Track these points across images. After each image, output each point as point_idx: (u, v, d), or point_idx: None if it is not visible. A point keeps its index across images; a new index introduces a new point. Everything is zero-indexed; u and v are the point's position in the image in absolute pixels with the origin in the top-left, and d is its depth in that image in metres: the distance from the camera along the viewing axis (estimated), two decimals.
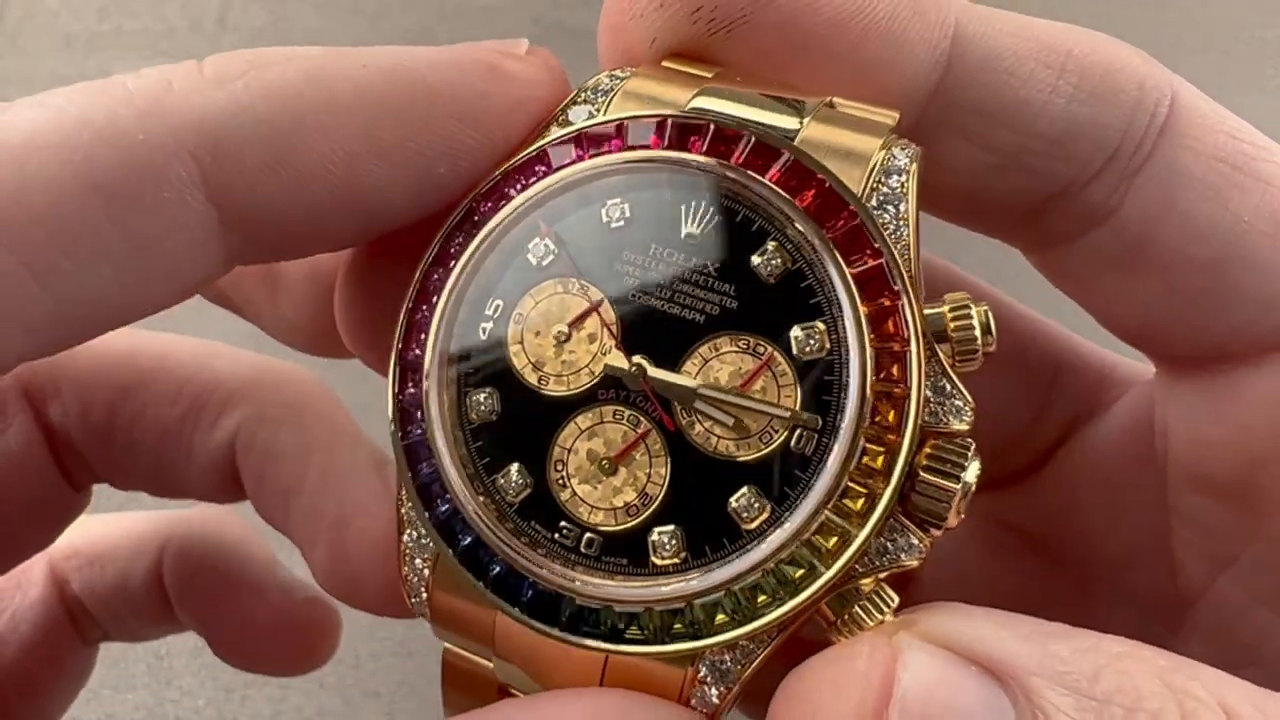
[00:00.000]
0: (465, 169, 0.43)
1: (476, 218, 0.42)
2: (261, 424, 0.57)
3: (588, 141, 0.42)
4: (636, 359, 0.40)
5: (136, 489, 0.62)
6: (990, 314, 0.39)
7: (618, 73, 0.44)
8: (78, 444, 0.58)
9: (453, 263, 0.42)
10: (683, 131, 0.41)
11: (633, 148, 0.41)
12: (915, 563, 0.38)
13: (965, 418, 0.38)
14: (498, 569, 0.40)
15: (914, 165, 0.40)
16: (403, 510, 0.42)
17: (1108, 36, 0.45)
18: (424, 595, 0.42)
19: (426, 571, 0.42)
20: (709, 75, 0.43)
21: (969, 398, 0.38)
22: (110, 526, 0.65)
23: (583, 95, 0.44)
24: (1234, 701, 0.34)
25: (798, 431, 0.39)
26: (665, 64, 0.44)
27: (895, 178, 0.40)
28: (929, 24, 0.42)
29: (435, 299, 0.41)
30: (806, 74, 0.42)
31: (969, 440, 0.38)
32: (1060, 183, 0.45)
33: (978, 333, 0.39)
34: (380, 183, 0.41)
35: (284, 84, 0.40)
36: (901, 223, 0.40)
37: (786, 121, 0.41)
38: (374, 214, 0.43)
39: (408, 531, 0.42)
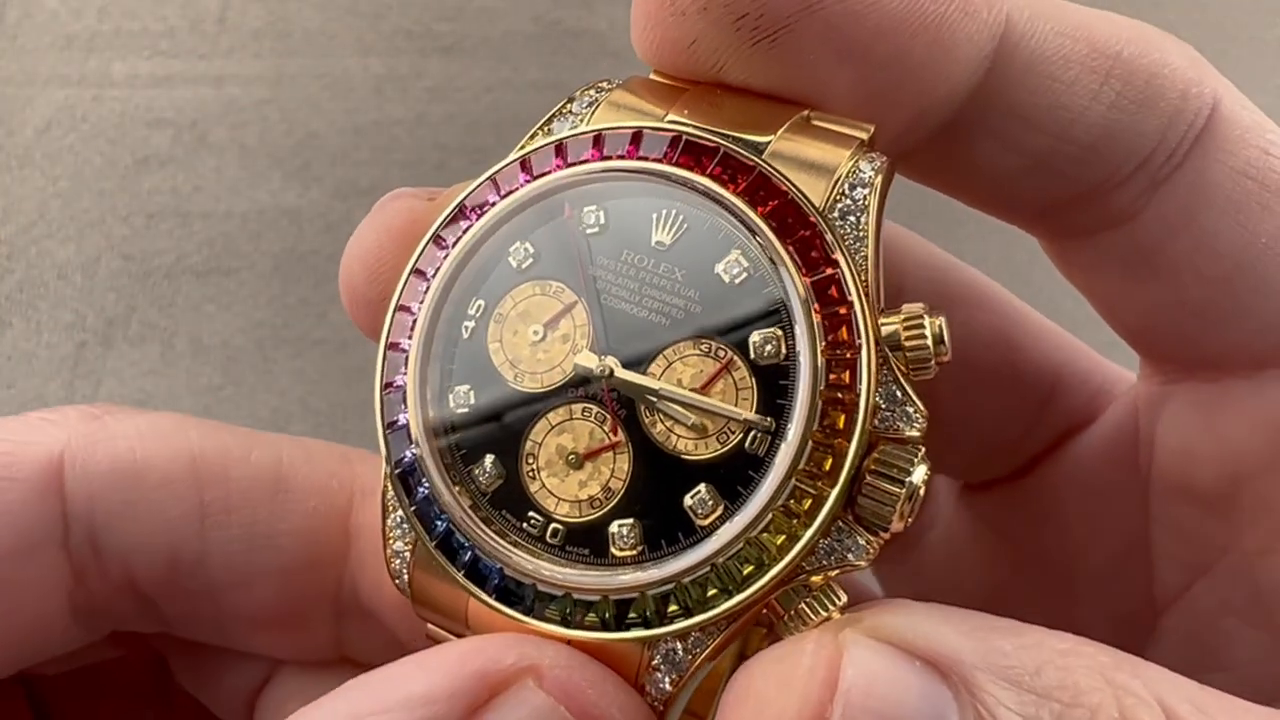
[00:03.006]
0: None
1: (464, 220, 0.44)
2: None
3: (568, 150, 0.43)
4: (605, 359, 0.42)
5: None
6: (944, 325, 0.40)
7: (603, 84, 0.46)
8: None
9: (440, 262, 0.44)
10: (657, 143, 0.42)
11: (609, 157, 0.43)
12: (863, 564, 0.39)
13: (916, 425, 0.39)
14: (469, 555, 0.42)
15: (879, 178, 0.41)
16: (386, 496, 0.44)
17: (1160, 34, 0.44)
18: (405, 576, 0.44)
19: (408, 553, 0.44)
20: (689, 89, 0.44)
21: (921, 406, 0.40)
22: None
23: (568, 106, 0.45)
24: (1172, 700, 0.35)
25: (752, 433, 0.40)
26: (652, 76, 0.45)
27: (859, 190, 0.41)
28: (978, 25, 0.41)
29: (423, 296, 0.44)
30: (845, 81, 0.42)
31: (918, 446, 0.39)
32: (1087, 186, 0.45)
33: (930, 344, 0.40)
34: None
35: None
36: (861, 234, 0.41)
37: (758, 135, 0.42)
38: None
39: (391, 515, 0.44)
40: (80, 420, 0.49)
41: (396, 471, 0.43)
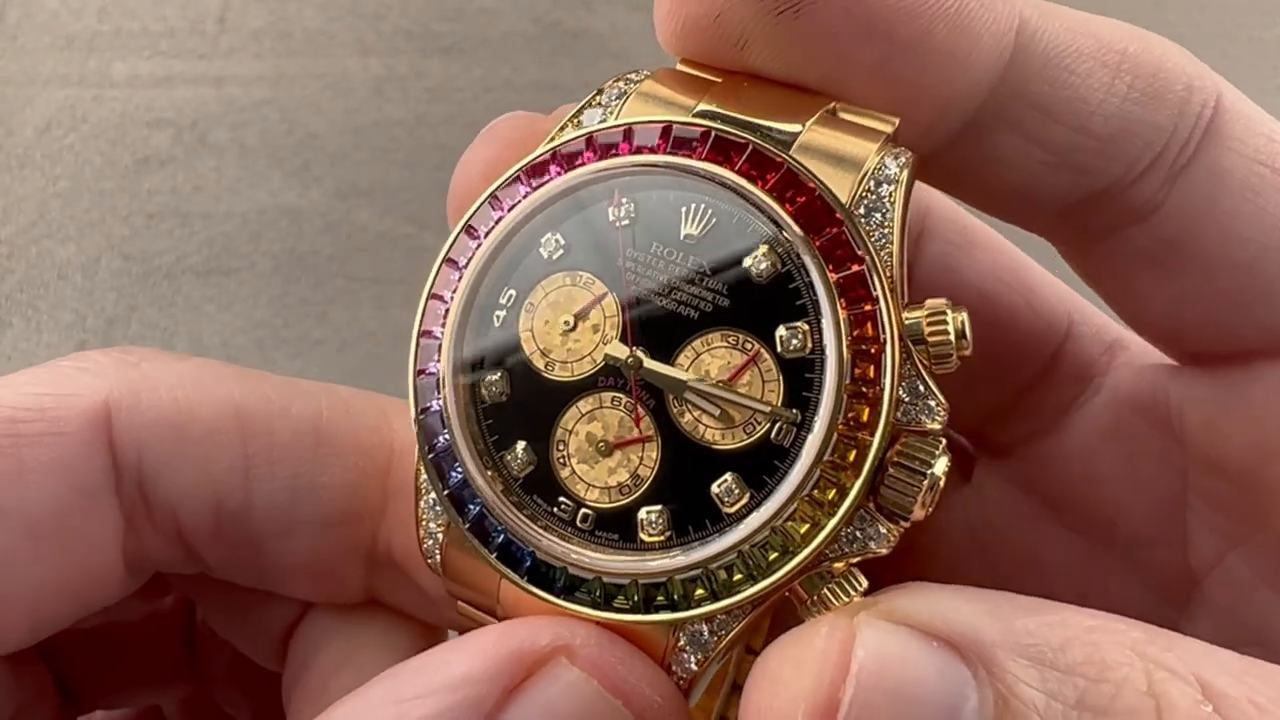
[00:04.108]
0: None
1: (496, 211, 0.45)
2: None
3: (598, 143, 0.44)
4: (634, 350, 0.43)
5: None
6: (967, 321, 0.41)
7: (632, 76, 0.46)
8: None
9: (472, 252, 0.44)
10: (687, 138, 0.43)
11: (639, 151, 0.43)
12: (884, 550, 0.40)
13: (938, 418, 0.40)
14: (501, 538, 0.43)
15: (905, 174, 0.42)
16: (419, 480, 0.45)
17: (1156, 35, 0.46)
18: (438, 556, 0.45)
19: (440, 534, 0.45)
20: (718, 80, 0.45)
21: (943, 400, 0.40)
22: None
23: (598, 98, 0.46)
24: (1210, 673, 0.34)
25: (778, 424, 0.41)
26: (680, 67, 0.46)
27: (885, 186, 0.42)
28: (996, 16, 0.42)
29: (455, 285, 0.44)
30: (869, 63, 0.42)
31: (939, 439, 0.40)
32: (1107, 180, 0.46)
33: (952, 338, 0.40)
34: None
35: None
36: (887, 230, 0.42)
37: (787, 126, 0.43)
38: None
39: (424, 498, 0.45)
40: (118, 368, 0.49)
41: (430, 456, 0.44)
